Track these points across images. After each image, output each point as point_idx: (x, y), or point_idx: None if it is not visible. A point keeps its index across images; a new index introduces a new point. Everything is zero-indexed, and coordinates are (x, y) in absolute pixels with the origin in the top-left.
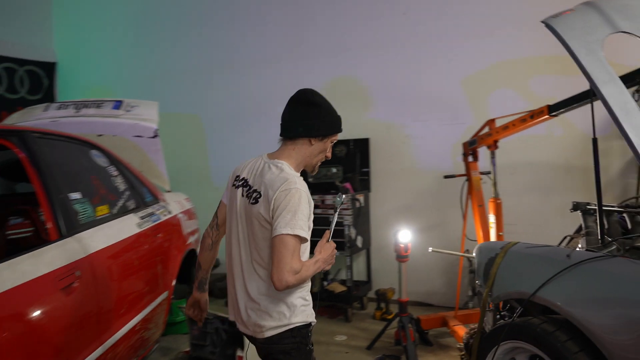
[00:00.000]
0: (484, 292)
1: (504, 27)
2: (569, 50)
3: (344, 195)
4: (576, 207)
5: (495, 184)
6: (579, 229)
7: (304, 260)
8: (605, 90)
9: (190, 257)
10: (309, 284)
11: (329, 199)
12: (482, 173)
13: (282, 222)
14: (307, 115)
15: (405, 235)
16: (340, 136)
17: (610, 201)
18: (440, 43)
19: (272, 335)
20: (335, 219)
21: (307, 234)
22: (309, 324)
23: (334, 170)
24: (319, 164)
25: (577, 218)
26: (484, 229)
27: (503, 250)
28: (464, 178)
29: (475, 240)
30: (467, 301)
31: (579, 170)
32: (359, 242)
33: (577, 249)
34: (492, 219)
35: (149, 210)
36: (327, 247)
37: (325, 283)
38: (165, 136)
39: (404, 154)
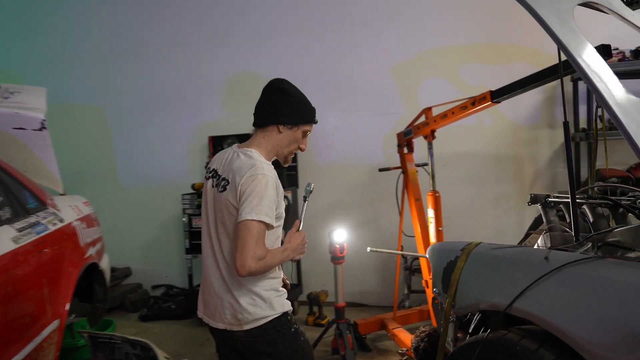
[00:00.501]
0: (443, 300)
1: (432, 13)
2: (539, 20)
3: (312, 184)
4: (535, 199)
5: (433, 177)
6: (535, 224)
7: (272, 249)
8: (583, 61)
9: (91, 272)
10: (280, 274)
11: None
12: (418, 165)
13: (247, 208)
14: (276, 103)
15: (340, 235)
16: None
17: (542, 192)
18: (366, 28)
19: (252, 328)
20: (305, 208)
21: (273, 221)
22: (286, 312)
23: None
24: (291, 155)
25: (511, 210)
26: (421, 225)
27: (465, 253)
28: (399, 171)
29: (413, 237)
30: (402, 299)
31: (510, 160)
32: None
33: (550, 250)
34: (430, 213)
35: (32, 219)
36: (297, 237)
37: None
38: (62, 130)
39: (333, 147)
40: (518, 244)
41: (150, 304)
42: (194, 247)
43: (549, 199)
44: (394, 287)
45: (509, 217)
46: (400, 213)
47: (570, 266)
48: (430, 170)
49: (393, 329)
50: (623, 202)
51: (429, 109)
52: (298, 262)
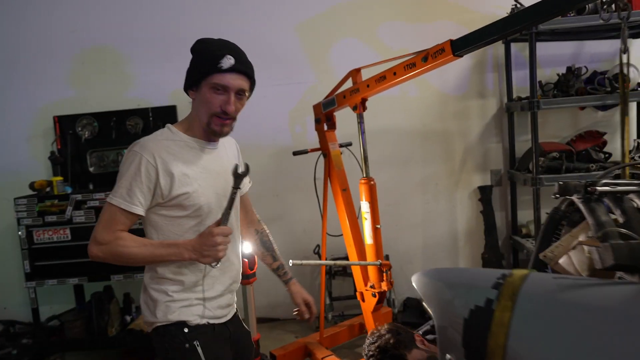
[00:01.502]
0: None
1: None
2: None
3: (243, 164)
4: (566, 189)
5: (365, 159)
6: (553, 223)
7: (139, 238)
8: None
9: None
10: (181, 276)
11: None
12: (342, 145)
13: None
14: None
15: (248, 247)
16: (133, 104)
17: (473, 170)
18: None
19: (150, 330)
20: (232, 199)
21: (138, 207)
22: (182, 324)
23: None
24: (213, 121)
25: (440, 195)
26: (351, 221)
27: (506, 294)
28: (318, 153)
29: (337, 236)
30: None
31: (438, 135)
32: None
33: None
34: (364, 207)
35: None
36: (206, 233)
37: (127, 318)
38: None
39: None
40: (537, 254)
41: None
42: (37, 270)
43: (595, 188)
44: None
45: (438, 202)
46: (323, 207)
47: None
48: (361, 151)
49: (324, 357)
50: None
51: (357, 70)
52: None
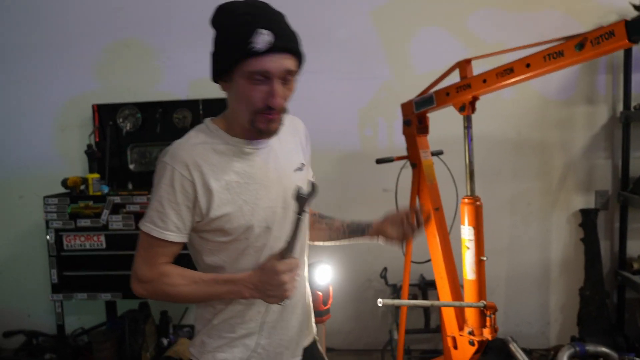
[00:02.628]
0: None
1: None
2: None
3: (311, 184)
4: None
5: (471, 174)
6: None
7: (188, 272)
8: None
9: None
10: (233, 324)
11: None
12: (434, 154)
13: None
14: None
15: (324, 273)
16: (183, 94)
17: (575, 189)
18: None
19: None
20: (299, 225)
21: (167, 232)
22: None
23: None
24: (255, 118)
25: (531, 217)
26: (444, 248)
27: None
28: (404, 162)
29: (424, 262)
30: (384, 346)
31: (534, 146)
32: None
33: None
34: (467, 233)
35: None
36: (269, 267)
37: (164, 341)
38: None
39: None
40: None
41: None
42: (66, 281)
43: None
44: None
45: (529, 225)
46: None
47: None
48: (467, 163)
49: None
50: None
51: (468, 62)
52: None
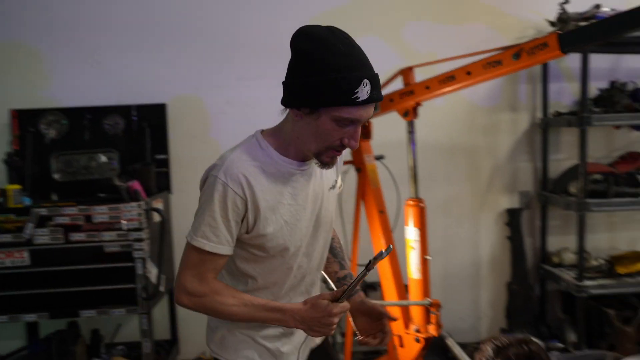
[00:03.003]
0: None
1: None
2: None
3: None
4: None
5: (415, 177)
6: None
7: (239, 292)
8: None
9: None
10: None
11: (99, 211)
12: (377, 158)
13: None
14: (289, 72)
15: None
16: (114, 99)
17: (501, 191)
18: None
19: None
20: (362, 278)
21: (220, 246)
22: None
23: (104, 159)
24: (327, 154)
25: (464, 218)
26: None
27: None
28: (347, 167)
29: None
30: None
31: (465, 151)
32: (162, 283)
33: None
34: (412, 234)
35: None
36: (320, 306)
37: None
38: None
39: (223, 130)
40: None
41: None
42: None
43: None
44: None
45: (460, 226)
46: (354, 232)
47: None
48: (411, 166)
49: None
50: None
51: (410, 69)
52: (172, 309)
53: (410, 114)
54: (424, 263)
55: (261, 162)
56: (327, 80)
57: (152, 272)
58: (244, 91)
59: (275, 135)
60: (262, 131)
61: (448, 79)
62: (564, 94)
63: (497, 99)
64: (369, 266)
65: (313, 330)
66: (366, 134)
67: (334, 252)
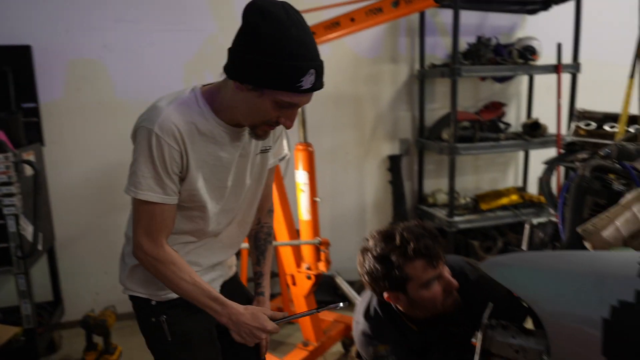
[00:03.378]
0: None
1: None
2: None
3: (341, 305)
4: (623, 153)
5: (303, 122)
6: (594, 190)
7: (191, 270)
8: None
9: None
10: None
11: None
12: None
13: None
14: (237, 46)
15: None
16: None
17: (383, 138)
18: None
19: None
20: (306, 315)
21: (167, 197)
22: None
23: None
24: (259, 126)
25: (350, 165)
26: (280, 197)
27: None
28: None
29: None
30: None
31: (349, 100)
32: (39, 241)
33: None
34: (302, 177)
35: None
36: (258, 318)
37: None
38: None
39: (101, 78)
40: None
41: None
42: None
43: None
44: None
45: (347, 173)
46: None
47: None
48: (300, 110)
49: None
50: None
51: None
52: (53, 268)
53: None
54: (314, 205)
55: (195, 121)
56: (276, 65)
57: (27, 229)
58: (123, 35)
59: (213, 96)
60: (202, 87)
61: (333, 25)
62: (438, 48)
63: (379, 50)
64: (320, 309)
65: (240, 335)
66: None
67: (257, 243)
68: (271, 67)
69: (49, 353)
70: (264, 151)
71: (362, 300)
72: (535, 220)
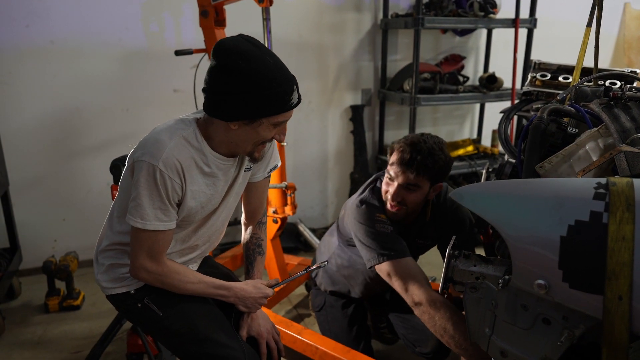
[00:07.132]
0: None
1: None
2: None
3: (326, 263)
4: (581, 95)
5: None
6: (550, 132)
7: (193, 271)
8: None
9: None
10: None
11: None
12: None
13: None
14: (221, 91)
15: None
16: None
17: (346, 88)
18: None
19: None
20: (297, 278)
21: (170, 223)
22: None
23: None
24: (256, 148)
25: (312, 114)
26: None
27: (621, 207)
28: (198, 60)
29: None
30: None
31: (314, 49)
32: None
33: None
34: None
35: None
36: (258, 287)
37: None
38: None
39: (54, 14)
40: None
41: None
42: None
43: (623, 93)
44: None
45: (310, 122)
46: None
47: None
48: None
49: None
50: None
51: None
52: (7, 212)
53: (265, 0)
54: (281, 149)
55: (195, 157)
56: (266, 95)
57: None
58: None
59: (207, 131)
60: (197, 121)
61: None
62: None
63: None
64: (307, 269)
65: (246, 306)
66: (220, 21)
67: (247, 252)
68: (263, 98)
69: (9, 299)
70: (247, 170)
71: (357, 193)
72: (491, 167)
